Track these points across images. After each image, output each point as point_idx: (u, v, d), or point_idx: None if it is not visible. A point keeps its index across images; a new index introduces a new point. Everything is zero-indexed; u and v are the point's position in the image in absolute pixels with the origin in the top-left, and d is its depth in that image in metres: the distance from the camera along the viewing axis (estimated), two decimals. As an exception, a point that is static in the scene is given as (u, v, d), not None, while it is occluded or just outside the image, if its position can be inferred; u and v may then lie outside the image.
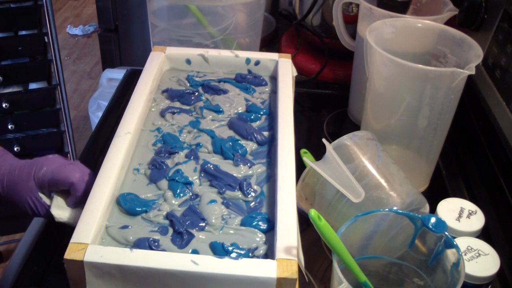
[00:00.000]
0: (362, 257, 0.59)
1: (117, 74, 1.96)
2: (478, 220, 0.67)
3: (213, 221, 0.57)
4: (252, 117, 0.73)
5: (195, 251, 0.54)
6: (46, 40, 1.65)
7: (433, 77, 0.71)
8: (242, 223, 0.58)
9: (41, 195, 0.64)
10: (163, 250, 0.54)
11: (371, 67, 0.78)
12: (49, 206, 0.64)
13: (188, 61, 0.82)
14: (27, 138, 1.69)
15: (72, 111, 2.45)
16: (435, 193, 0.81)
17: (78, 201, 0.63)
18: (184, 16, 0.92)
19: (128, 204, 0.58)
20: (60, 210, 0.64)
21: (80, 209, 0.61)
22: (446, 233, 0.53)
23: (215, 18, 0.92)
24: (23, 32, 1.66)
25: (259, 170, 0.65)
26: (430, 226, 0.54)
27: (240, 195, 0.61)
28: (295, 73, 0.81)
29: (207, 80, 0.80)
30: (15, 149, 1.68)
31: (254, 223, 0.57)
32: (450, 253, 0.53)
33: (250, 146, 0.68)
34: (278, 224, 0.54)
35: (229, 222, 0.58)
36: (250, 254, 0.54)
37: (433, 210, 0.69)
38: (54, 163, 0.64)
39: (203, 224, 0.57)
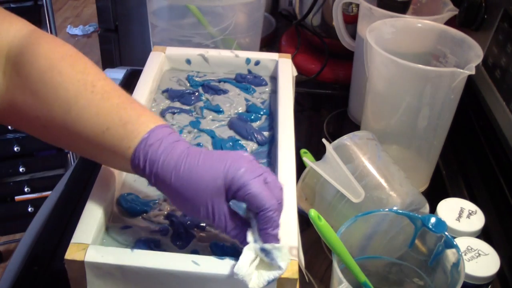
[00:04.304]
0: (362, 257, 0.59)
1: (117, 74, 1.95)
2: (478, 220, 0.67)
3: (213, 221, 0.57)
4: (252, 117, 0.73)
5: (195, 251, 0.54)
6: (46, 40, 1.65)
7: (433, 77, 0.71)
8: (243, 223, 0.58)
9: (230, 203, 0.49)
10: (164, 250, 0.54)
11: (371, 67, 0.78)
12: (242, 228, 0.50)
13: (188, 61, 0.82)
14: (27, 138, 1.69)
15: (72, 111, 2.44)
16: (435, 193, 0.81)
17: (260, 232, 0.49)
18: (184, 16, 0.92)
19: (128, 204, 0.58)
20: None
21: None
22: (446, 233, 0.53)
23: (215, 18, 0.92)
24: (23, 32, 1.65)
25: (259, 170, 0.65)
26: (430, 226, 0.54)
27: (240, 195, 0.61)
28: (295, 73, 0.81)
29: (207, 80, 0.80)
30: (15, 149, 1.68)
31: (254, 223, 0.57)
32: (450, 253, 0.53)
33: (250, 146, 0.68)
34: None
35: (230, 222, 0.58)
36: (250, 254, 0.54)
37: (433, 210, 0.69)
38: (254, 171, 0.48)
39: (204, 224, 0.57)
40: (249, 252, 0.48)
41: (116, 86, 0.52)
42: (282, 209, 0.50)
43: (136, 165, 0.49)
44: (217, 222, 0.49)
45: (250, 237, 0.48)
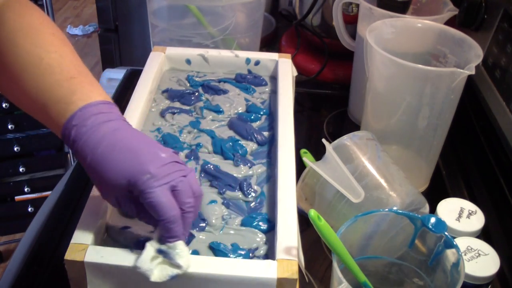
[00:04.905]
0: (362, 257, 0.59)
1: (117, 74, 1.96)
2: (478, 220, 0.67)
3: (213, 221, 0.57)
4: (252, 117, 0.73)
5: (195, 252, 0.54)
6: (46, 40, 1.65)
7: (433, 77, 0.71)
8: (243, 224, 0.58)
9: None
10: (163, 250, 0.54)
11: (371, 67, 0.78)
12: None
13: (188, 61, 0.82)
14: (27, 138, 1.69)
15: (72, 111, 2.44)
16: (435, 193, 0.81)
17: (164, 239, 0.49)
18: (184, 16, 0.92)
19: (128, 204, 0.58)
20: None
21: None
22: (446, 233, 0.53)
23: (215, 18, 0.92)
24: (23, 32, 1.65)
25: (259, 170, 0.65)
26: (430, 226, 0.54)
27: (240, 196, 0.61)
28: (295, 73, 0.81)
29: (207, 80, 0.80)
30: (15, 149, 1.68)
31: (254, 224, 0.57)
32: (450, 253, 0.53)
33: (250, 146, 0.68)
34: (278, 224, 0.54)
35: (230, 222, 0.58)
36: (250, 254, 0.54)
37: (433, 210, 0.69)
38: (160, 179, 0.47)
39: (204, 225, 0.57)
40: (151, 248, 0.49)
41: (64, 59, 0.52)
42: (193, 216, 0.50)
43: (65, 141, 0.50)
44: (126, 211, 0.50)
45: (155, 234, 0.49)
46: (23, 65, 0.51)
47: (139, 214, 0.50)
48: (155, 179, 0.47)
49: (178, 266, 0.48)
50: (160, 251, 0.49)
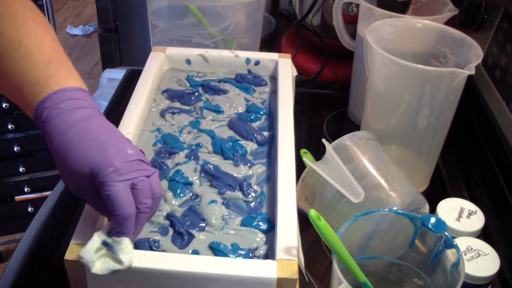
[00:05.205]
0: (362, 257, 0.59)
1: (117, 74, 1.96)
2: (478, 220, 0.67)
3: (213, 221, 0.57)
4: (252, 117, 0.73)
5: (195, 252, 0.54)
6: (46, 40, 1.65)
7: (433, 77, 0.71)
8: (243, 224, 0.58)
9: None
10: (164, 250, 0.54)
11: (371, 67, 0.78)
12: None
13: (188, 61, 0.82)
14: (27, 138, 1.69)
15: (72, 111, 2.43)
16: (435, 193, 0.81)
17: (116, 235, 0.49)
18: (184, 16, 0.92)
19: (128, 204, 0.58)
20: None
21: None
22: (446, 233, 0.53)
23: (215, 18, 0.92)
24: (23, 32, 1.65)
25: (259, 170, 0.65)
26: (430, 226, 0.54)
27: (240, 195, 0.61)
28: (295, 73, 0.81)
29: (207, 80, 0.80)
30: (15, 149, 1.68)
31: (254, 224, 0.57)
32: (450, 253, 0.53)
33: (250, 146, 0.68)
34: (278, 224, 0.54)
35: (230, 222, 0.58)
36: (250, 254, 0.54)
37: (433, 210, 0.69)
38: (123, 174, 0.47)
39: (204, 225, 0.57)
40: (98, 239, 0.49)
41: (44, 45, 0.53)
42: (148, 217, 0.50)
43: (37, 123, 0.51)
44: (85, 200, 0.50)
45: (106, 226, 0.50)
46: (2, 48, 0.52)
47: (97, 205, 0.50)
48: (117, 173, 0.47)
49: (120, 262, 0.48)
50: (105, 243, 0.49)
